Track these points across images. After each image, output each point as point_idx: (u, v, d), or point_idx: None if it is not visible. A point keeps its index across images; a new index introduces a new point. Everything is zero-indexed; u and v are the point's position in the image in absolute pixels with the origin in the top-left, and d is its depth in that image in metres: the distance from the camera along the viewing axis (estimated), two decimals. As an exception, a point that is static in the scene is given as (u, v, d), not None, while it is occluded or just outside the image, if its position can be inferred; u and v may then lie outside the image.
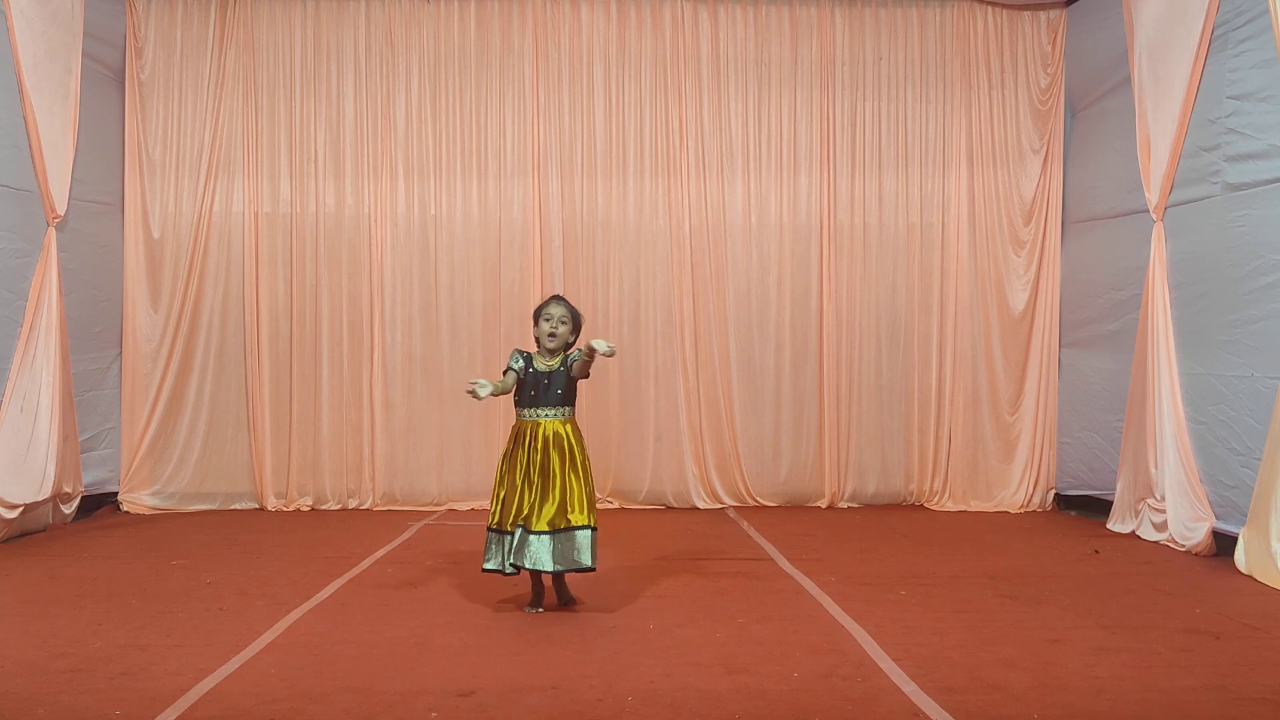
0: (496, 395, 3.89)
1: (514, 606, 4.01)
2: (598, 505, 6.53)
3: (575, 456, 3.94)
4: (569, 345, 4.05)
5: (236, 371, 6.56)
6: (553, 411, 3.96)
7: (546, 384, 3.95)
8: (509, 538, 3.87)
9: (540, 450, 3.90)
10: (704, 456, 6.71)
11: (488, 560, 3.94)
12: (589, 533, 3.90)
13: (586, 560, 3.88)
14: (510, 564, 3.85)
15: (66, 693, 2.99)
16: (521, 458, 3.92)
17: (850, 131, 6.76)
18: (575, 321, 4.05)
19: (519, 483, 3.89)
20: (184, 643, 3.50)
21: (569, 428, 3.98)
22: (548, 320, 3.99)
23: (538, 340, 4.03)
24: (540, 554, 3.84)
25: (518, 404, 4.01)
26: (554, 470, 3.89)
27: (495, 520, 3.94)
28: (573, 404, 4.03)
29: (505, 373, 3.99)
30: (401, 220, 6.61)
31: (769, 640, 3.56)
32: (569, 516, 3.87)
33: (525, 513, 3.85)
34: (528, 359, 4.00)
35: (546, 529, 3.84)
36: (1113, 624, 3.82)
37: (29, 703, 2.91)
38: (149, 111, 6.51)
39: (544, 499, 3.86)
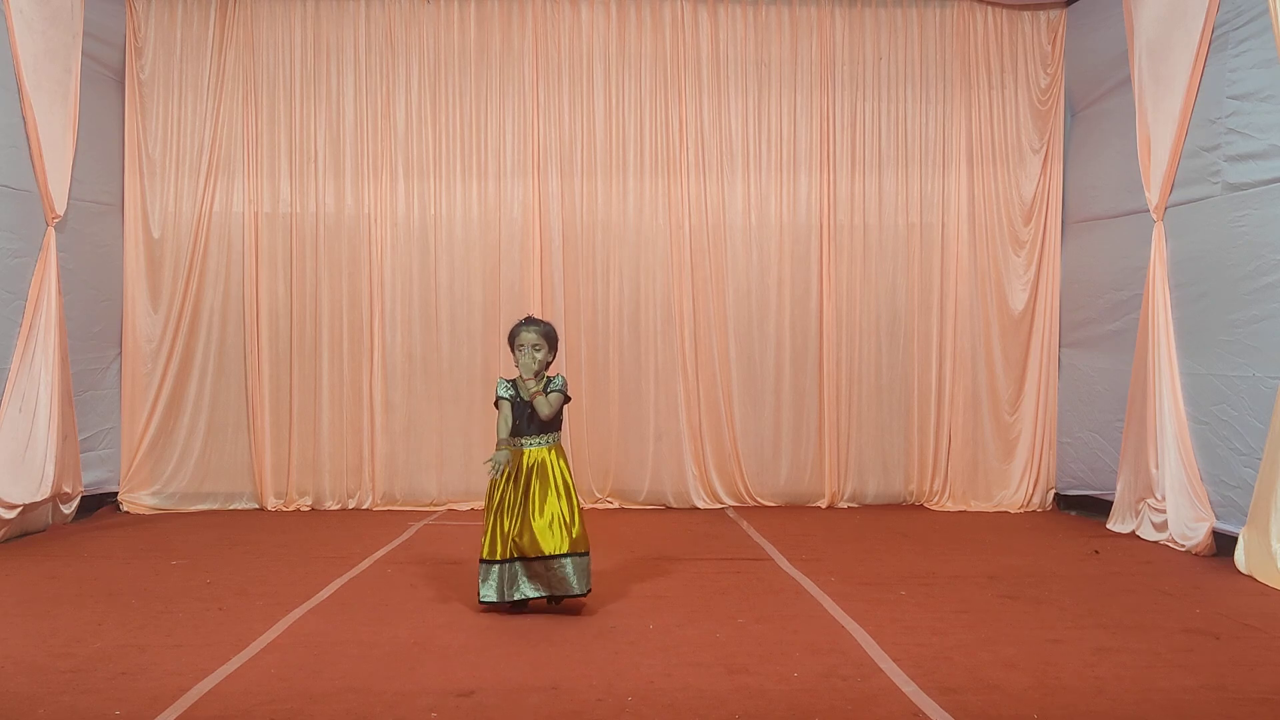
0: (510, 444, 3.90)
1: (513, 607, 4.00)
2: (598, 505, 6.61)
3: (560, 485, 3.89)
4: (548, 365, 4.00)
5: (236, 371, 6.56)
6: (537, 440, 3.93)
7: (530, 412, 3.91)
8: (499, 569, 3.85)
9: (523, 480, 3.88)
10: (704, 456, 6.71)
11: (485, 593, 3.89)
12: (576, 560, 3.84)
13: (576, 587, 3.84)
14: (508, 599, 3.85)
15: (66, 693, 2.99)
16: (504, 488, 3.89)
17: (850, 131, 6.76)
18: (550, 341, 3.97)
19: (506, 514, 3.87)
20: (184, 643, 3.50)
21: (554, 455, 3.94)
22: (521, 349, 3.93)
23: (518, 367, 3.99)
24: (529, 584, 3.83)
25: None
26: (535, 500, 3.85)
27: (486, 551, 3.90)
28: (558, 429, 3.99)
29: (497, 404, 3.95)
30: (401, 220, 6.61)
31: (769, 640, 3.56)
32: (556, 544, 3.81)
33: (511, 545, 3.83)
34: (513, 386, 3.96)
35: (534, 556, 3.81)
36: (1113, 624, 3.82)
37: (29, 703, 2.91)
38: (149, 111, 6.51)
39: (527, 529, 3.82)
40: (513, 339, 3.98)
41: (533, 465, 3.90)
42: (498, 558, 3.87)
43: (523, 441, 3.93)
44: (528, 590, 3.85)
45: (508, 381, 3.99)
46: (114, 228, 6.43)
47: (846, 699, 2.97)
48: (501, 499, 3.89)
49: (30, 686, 3.05)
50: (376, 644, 3.49)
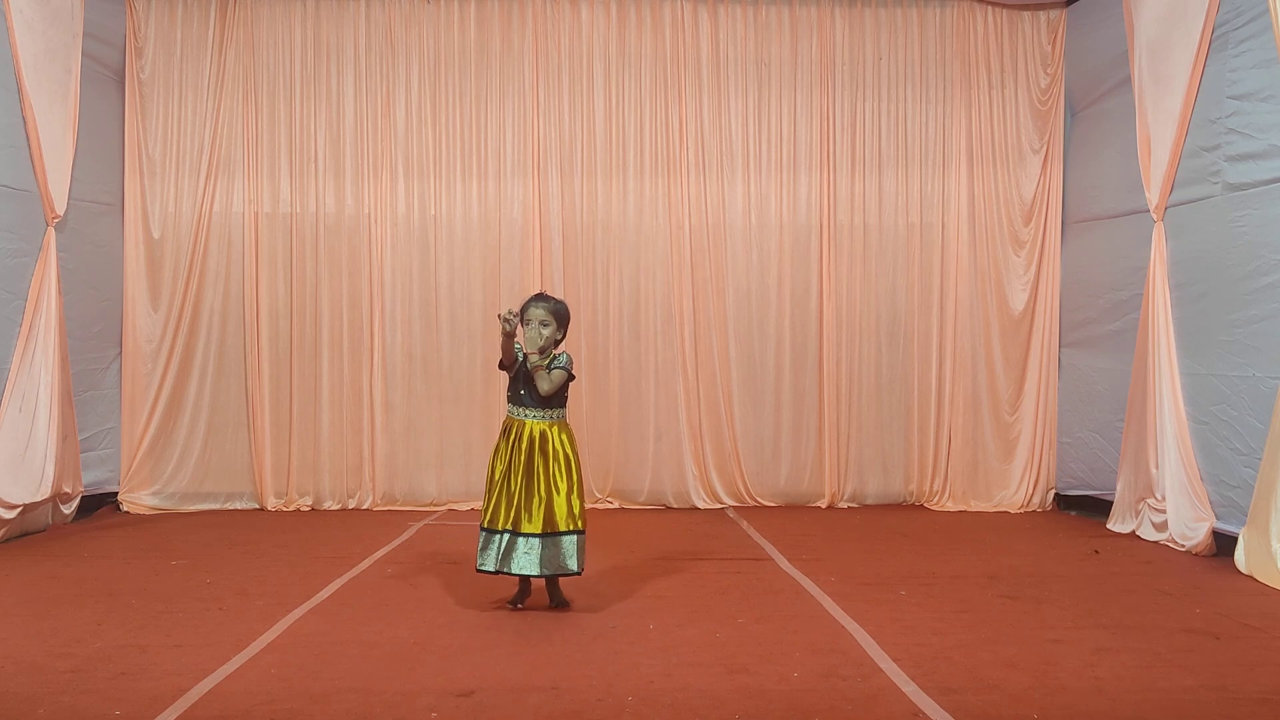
0: (510, 330, 3.83)
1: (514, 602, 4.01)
2: (598, 505, 6.60)
3: (562, 459, 3.89)
4: (558, 343, 3.99)
5: (236, 371, 6.56)
6: (540, 413, 3.92)
7: (536, 382, 3.90)
8: (498, 538, 3.85)
9: (525, 452, 3.87)
10: (704, 456, 6.71)
11: (482, 562, 3.90)
12: (574, 537, 3.86)
13: (572, 565, 3.86)
14: (504, 570, 3.85)
15: (66, 693, 2.99)
16: (506, 455, 3.90)
17: (850, 131, 6.76)
18: (559, 318, 3.94)
19: (506, 484, 3.87)
20: (184, 643, 3.50)
21: (556, 429, 3.93)
22: (528, 325, 3.90)
23: (524, 341, 3.98)
24: (525, 559, 3.83)
25: (509, 398, 3.98)
26: (539, 473, 3.85)
27: (486, 519, 3.91)
28: (561, 405, 3.98)
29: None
30: (401, 220, 6.61)
31: (769, 640, 3.56)
32: (555, 521, 3.83)
33: (513, 516, 3.84)
34: (521, 351, 3.96)
35: (532, 533, 3.82)
36: (1113, 624, 3.82)
37: (29, 703, 2.91)
38: (149, 111, 6.51)
39: (530, 502, 3.83)
40: (522, 314, 3.94)
41: (534, 438, 3.88)
42: (498, 527, 3.86)
43: (525, 412, 3.92)
44: (525, 566, 3.82)
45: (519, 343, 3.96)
46: (114, 228, 6.43)
47: (846, 699, 2.97)
48: (504, 467, 3.89)
49: (30, 686, 3.05)
50: (376, 644, 3.49)
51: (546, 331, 3.90)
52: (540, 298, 3.99)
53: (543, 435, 3.90)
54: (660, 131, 6.70)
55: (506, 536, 3.84)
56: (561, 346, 4.04)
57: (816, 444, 6.76)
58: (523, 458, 3.87)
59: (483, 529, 3.92)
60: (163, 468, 6.47)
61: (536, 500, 3.84)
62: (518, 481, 3.86)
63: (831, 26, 6.75)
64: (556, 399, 3.95)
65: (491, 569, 3.87)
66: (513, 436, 3.92)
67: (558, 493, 3.86)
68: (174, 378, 6.47)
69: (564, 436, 3.95)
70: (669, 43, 6.70)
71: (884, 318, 6.78)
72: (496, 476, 3.91)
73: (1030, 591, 4.33)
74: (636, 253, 6.69)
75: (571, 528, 3.87)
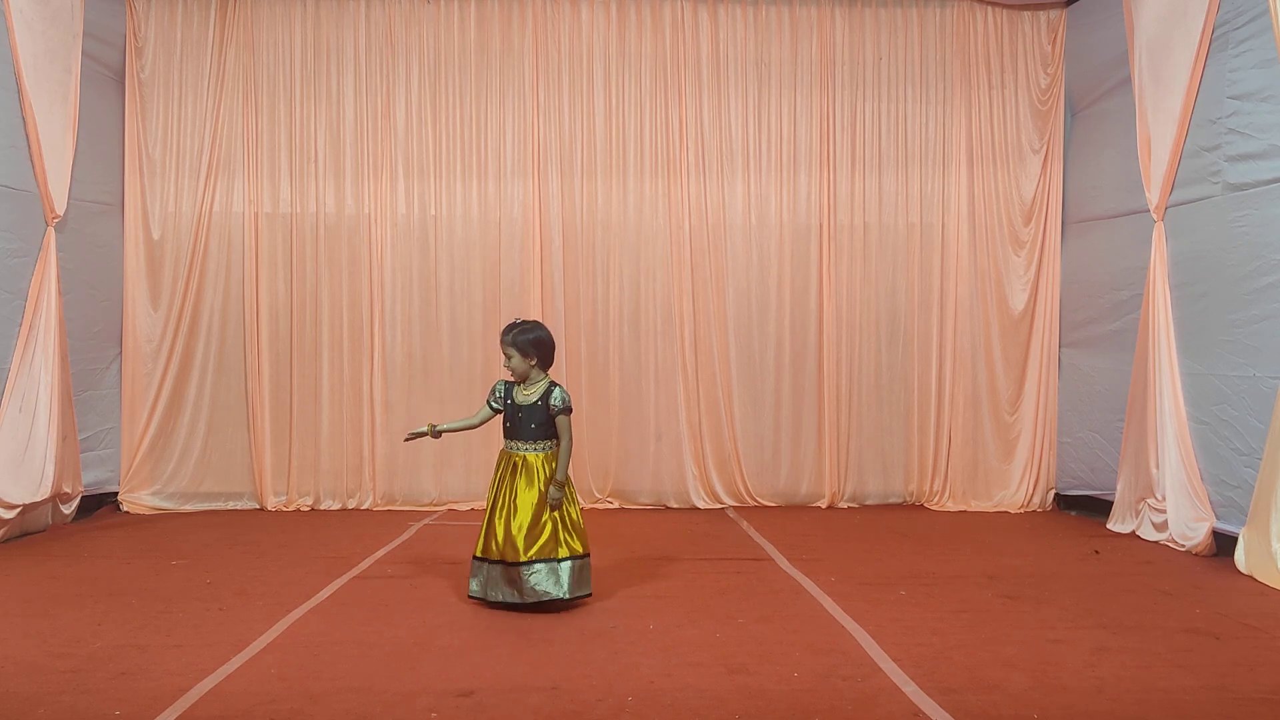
0: (460, 430, 4.11)
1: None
2: (598, 505, 6.60)
3: (541, 489, 3.91)
4: (533, 367, 3.98)
5: (236, 371, 6.56)
6: (528, 446, 3.96)
7: (521, 417, 3.95)
8: (489, 568, 3.93)
9: (510, 482, 3.93)
10: (704, 456, 6.71)
11: (472, 587, 3.99)
12: (562, 564, 3.89)
13: (555, 591, 3.86)
14: (489, 599, 3.93)
15: (66, 693, 2.99)
16: (495, 487, 3.98)
17: (850, 131, 6.76)
18: (520, 348, 3.96)
19: (493, 515, 3.94)
20: (184, 643, 3.50)
21: (541, 459, 3.96)
22: (503, 357, 4.02)
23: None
24: (505, 589, 3.89)
25: (503, 432, 4.06)
26: (514, 503, 3.89)
27: (478, 548, 3.98)
28: (552, 439, 4.00)
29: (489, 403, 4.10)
30: (401, 220, 6.61)
31: (769, 640, 3.56)
32: (521, 551, 3.84)
33: (499, 546, 3.88)
34: (508, 389, 4.03)
35: (514, 561, 3.85)
36: (1113, 624, 3.82)
37: (29, 703, 2.91)
38: (149, 111, 6.51)
39: (510, 532, 3.86)
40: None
41: (520, 468, 3.94)
42: (487, 556, 3.95)
43: (514, 445, 3.99)
44: (503, 595, 3.91)
45: (507, 384, 4.07)
46: (114, 228, 6.42)
47: (846, 699, 2.97)
48: (496, 499, 3.96)
49: (30, 686, 3.05)
50: (376, 644, 3.49)
51: (512, 363, 3.98)
52: (510, 327, 4.02)
53: (529, 467, 3.93)
54: (660, 131, 6.70)
55: (492, 566, 3.92)
56: (552, 371, 4.10)
57: (816, 444, 6.76)
58: (509, 489, 3.93)
59: (474, 557, 4.01)
60: (163, 468, 6.47)
61: (509, 533, 3.86)
62: (506, 512, 3.91)
63: (831, 26, 6.75)
64: (549, 430, 3.98)
65: (480, 596, 3.97)
66: (502, 468, 4.00)
67: (527, 524, 3.86)
68: (174, 377, 6.47)
69: (550, 468, 3.97)
70: (669, 43, 6.70)
71: (884, 317, 6.78)
72: (490, 508, 3.98)
73: (1030, 591, 4.33)
74: (636, 253, 6.69)
75: (560, 555, 3.89)
